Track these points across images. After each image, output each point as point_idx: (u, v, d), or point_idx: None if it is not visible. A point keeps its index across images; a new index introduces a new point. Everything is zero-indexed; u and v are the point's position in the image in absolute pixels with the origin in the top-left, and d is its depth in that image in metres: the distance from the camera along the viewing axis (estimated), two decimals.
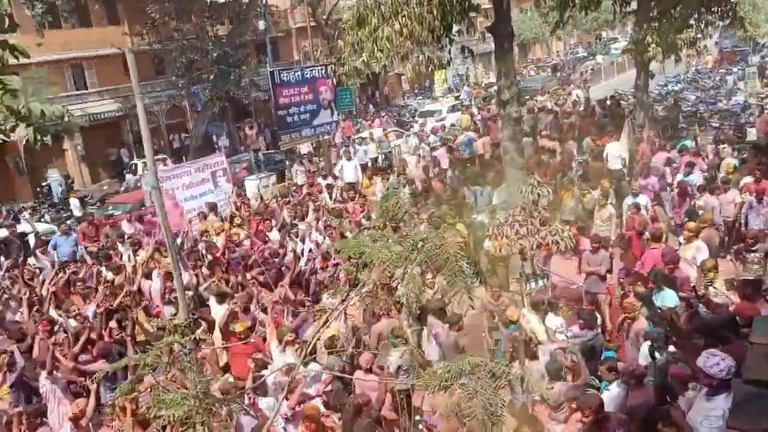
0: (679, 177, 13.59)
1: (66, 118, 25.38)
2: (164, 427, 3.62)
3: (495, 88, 15.50)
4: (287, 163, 21.52)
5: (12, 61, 4.47)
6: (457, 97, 36.02)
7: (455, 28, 12.67)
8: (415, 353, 5.29)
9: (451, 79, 45.88)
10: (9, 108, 4.00)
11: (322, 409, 7.25)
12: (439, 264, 3.68)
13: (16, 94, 3.94)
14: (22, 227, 17.20)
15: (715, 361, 5.31)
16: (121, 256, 13.21)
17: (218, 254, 11.63)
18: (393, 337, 7.73)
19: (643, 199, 12.46)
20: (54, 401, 7.82)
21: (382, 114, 35.56)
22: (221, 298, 9.57)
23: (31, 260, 14.07)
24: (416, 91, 46.41)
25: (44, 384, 7.82)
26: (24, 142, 26.52)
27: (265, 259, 11.28)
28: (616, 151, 15.84)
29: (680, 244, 11.11)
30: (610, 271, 10.25)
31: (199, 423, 3.64)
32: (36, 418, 7.20)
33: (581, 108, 24.24)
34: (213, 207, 15.51)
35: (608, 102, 24.22)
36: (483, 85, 43.63)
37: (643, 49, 18.35)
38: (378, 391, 6.74)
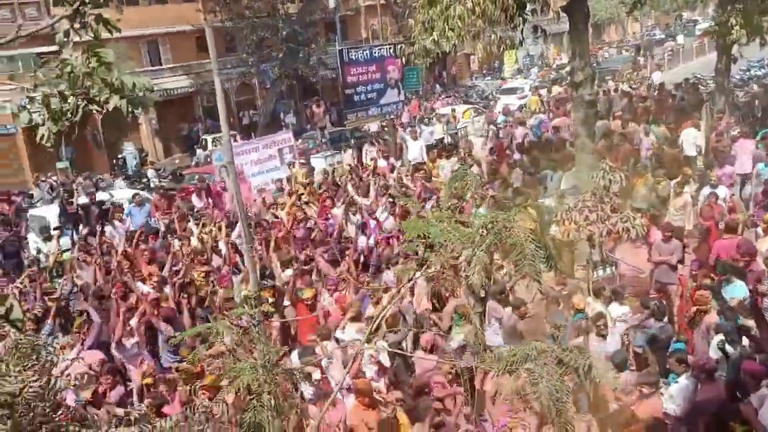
0: (760, 166, 12.96)
1: (146, 92, 26.33)
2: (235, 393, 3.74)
3: (566, 69, 15.06)
4: (353, 142, 21.58)
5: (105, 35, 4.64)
6: (526, 78, 35.31)
7: (528, 7, 12.39)
8: (479, 335, 5.28)
9: (522, 60, 44.95)
10: (104, 80, 4.15)
11: (381, 386, 7.32)
12: (507, 247, 3.63)
13: (110, 67, 4.09)
14: (101, 196, 17.93)
15: None
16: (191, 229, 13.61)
17: (283, 231, 11.82)
18: (458, 316, 7.72)
19: (723, 191, 11.93)
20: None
21: (449, 94, 35.21)
22: (287, 264, 9.77)
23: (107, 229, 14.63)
24: (485, 72, 45.70)
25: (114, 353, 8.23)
26: (101, 115, 27.74)
27: (330, 236, 11.42)
28: (692, 138, 15.23)
29: (756, 236, 10.61)
30: (681, 261, 9.90)
31: (266, 392, 3.74)
32: (114, 376, 7.54)
33: (656, 92, 23.34)
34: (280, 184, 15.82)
35: (684, 85, 23.25)
36: (554, 66, 42.59)
37: (726, 31, 17.48)
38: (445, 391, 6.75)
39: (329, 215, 12.90)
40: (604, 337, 7.74)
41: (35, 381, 3.76)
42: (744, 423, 5.41)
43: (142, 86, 4.09)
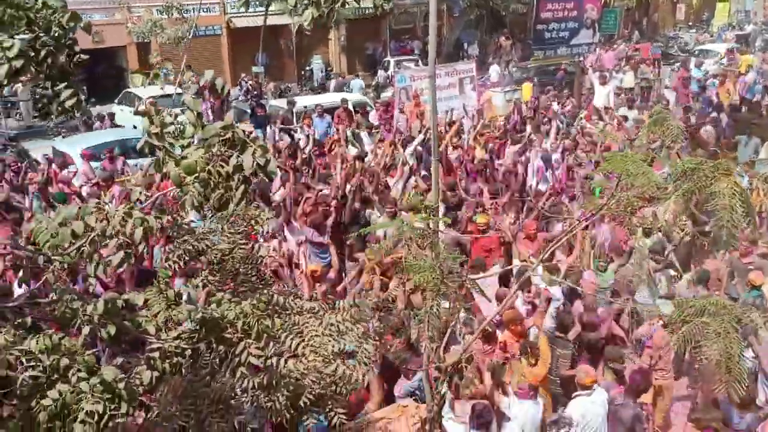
0: None
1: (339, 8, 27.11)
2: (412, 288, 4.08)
3: None
4: (535, 80, 21.02)
5: None
6: (740, 36, 31.91)
7: None
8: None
9: (736, 15, 40.59)
10: None
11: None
12: (705, 198, 3.55)
13: None
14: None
15: None
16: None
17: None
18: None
19: None
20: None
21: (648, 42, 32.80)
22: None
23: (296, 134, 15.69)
24: (690, 23, 41.90)
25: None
26: (296, 28, 29.13)
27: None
28: None
29: None
30: None
31: (437, 291, 4.04)
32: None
33: None
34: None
35: None
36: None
37: None
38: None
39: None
40: None
41: (244, 244, 4.34)
42: None
43: None
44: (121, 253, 2.39)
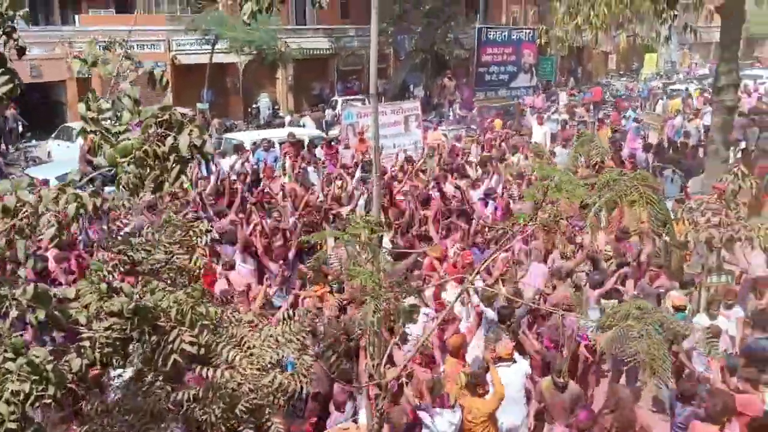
0: None
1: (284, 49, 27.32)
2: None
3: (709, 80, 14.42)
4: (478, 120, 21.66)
5: None
6: (665, 84, 33.75)
7: (681, 1, 12.02)
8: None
9: (663, 65, 42.94)
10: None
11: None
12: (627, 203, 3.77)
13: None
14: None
15: None
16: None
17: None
18: None
19: None
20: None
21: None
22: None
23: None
24: (621, 72, 44.07)
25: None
26: (243, 66, 29.30)
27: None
28: None
29: None
30: None
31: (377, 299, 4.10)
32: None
33: None
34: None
35: None
36: (697, 75, 40.42)
37: None
38: None
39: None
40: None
41: (182, 254, 4.33)
42: None
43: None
44: (54, 228, 2.37)
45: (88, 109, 2.64)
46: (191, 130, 2.60)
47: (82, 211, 2.43)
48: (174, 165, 2.57)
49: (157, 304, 3.00)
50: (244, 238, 9.11)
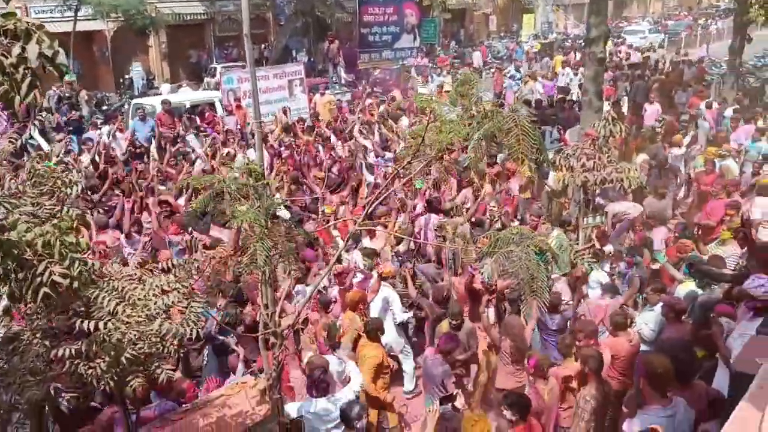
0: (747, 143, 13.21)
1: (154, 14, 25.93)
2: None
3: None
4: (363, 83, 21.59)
5: None
6: (544, 44, 35.15)
7: None
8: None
9: (540, 26, 44.62)
10: None
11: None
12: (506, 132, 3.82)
13: None
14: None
15: (760, 282, 5.35)
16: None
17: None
18: None
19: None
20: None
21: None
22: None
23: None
24: (502, 34, 45.32)
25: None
26: (111, 33, 27.55)
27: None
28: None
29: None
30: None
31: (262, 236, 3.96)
32: None
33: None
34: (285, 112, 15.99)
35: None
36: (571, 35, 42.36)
37: (744, 9, 17.55)
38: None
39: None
40: None
41: (53, 205, 3.99)
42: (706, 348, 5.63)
43: None
44: None
45: None
46: (39, 38, 2.33)
47: None
48: (24, 77, 2.31)
49: (21, 238, 2.74)
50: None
